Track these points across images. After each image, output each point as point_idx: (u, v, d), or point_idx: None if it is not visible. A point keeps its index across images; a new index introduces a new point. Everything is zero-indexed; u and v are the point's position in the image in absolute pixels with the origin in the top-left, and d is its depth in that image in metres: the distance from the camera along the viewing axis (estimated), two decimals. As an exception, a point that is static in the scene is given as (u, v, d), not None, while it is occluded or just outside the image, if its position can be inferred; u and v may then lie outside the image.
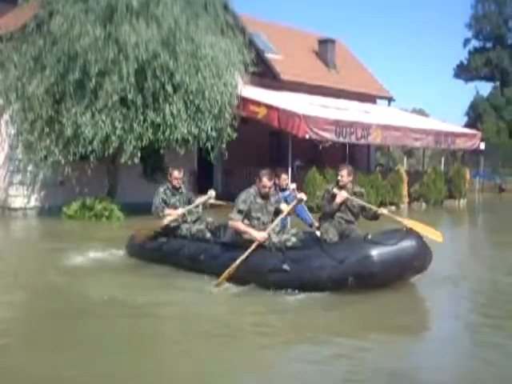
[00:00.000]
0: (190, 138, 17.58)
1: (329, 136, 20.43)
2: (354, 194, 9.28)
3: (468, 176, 28.08)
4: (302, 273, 7.90)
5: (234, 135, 18.49)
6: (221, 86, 17.93)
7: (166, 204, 10.26)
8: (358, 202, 9.09)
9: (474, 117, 51.48)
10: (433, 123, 29.36)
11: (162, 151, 18.24)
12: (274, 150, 24.46)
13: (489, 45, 54.76)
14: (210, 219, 10.41)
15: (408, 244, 7.82)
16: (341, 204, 9.08)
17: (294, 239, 8.59)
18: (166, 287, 8.70)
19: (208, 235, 10.06)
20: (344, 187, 9.22)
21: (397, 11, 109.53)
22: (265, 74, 24.81)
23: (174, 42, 16.92)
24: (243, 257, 8.24)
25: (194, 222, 10.31)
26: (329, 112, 22.32)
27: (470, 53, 55.83)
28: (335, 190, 9.10)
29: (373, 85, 32.31)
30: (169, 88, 16.81)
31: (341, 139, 21.09)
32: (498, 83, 53.75)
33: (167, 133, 17.05)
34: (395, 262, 7.71)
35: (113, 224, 16.93)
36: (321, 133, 20.09)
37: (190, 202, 10.52)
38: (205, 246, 9.40)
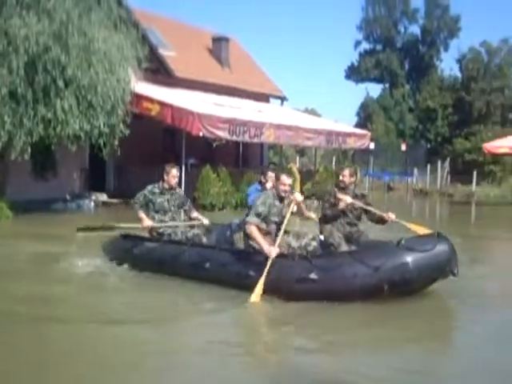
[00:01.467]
0: (82, 135, 17.24)
1: (222, 134, 20.47)
2: (356, 196, 9.18)
3: (358, 175, 28.70)
4: (332, 282, 7.47)
5: (127, 132, 18.24)
6: (113, 81, 17.69)
7: (152, 203, 9.55)
8: (361, 206, 9.00)
9: (364, 117, 52.58)
10: (324, 123, 29.85)
11: (53, 147, 17.87)
12: (168, 148, 24.28)
13: (379, 47, 55.96)
14: (205, 221, 9.85)
15: (442, 249, 7.54)
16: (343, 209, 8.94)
17: (314, 243, 8.16)
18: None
19: (204, 239, 9.50)
20: (346, 188, 9.13)
21: (290, 12, 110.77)
22: (158, 71, 24.65)
23: (65, 36, 16.55)
24: (265, 274, 7.56)
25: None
26: (223, 110, 22.36)
27: (360, 55, 56.92)
28: (340, 195, 8.92)
29: (266, 84, 32.54)
30: (60, 83, 16.44)
31: (234, 138, 21.19)
32: (387, 85, 55.08)
33: (58, 129, 16.66)
34: (431, 268, 7.47)
35: (2, 223, 16.43)
36: (215, 131, 20.10)
37: (181, 206, 9.84)
38: (210, 253, 8.72)
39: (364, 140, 28.54)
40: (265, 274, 7.57)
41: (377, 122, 49.15)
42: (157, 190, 9.57)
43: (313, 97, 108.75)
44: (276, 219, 8.11)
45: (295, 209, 8.27)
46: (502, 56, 50.27)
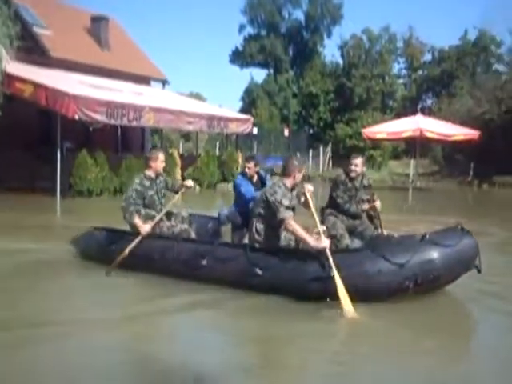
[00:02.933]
0: None
1: (100, 117, 19.77)
2: (364, 187, 9.00)
3: (241, 160, 28.53)
4: (354, 280, 6.88)
5: (-2, 114, 17.39)
6: (-17, 60, 16.81)
7: (143, 198, 8.51)
8: (379, 217, 9.05)
9: (249, 102, 52.64)
10: (207, 107, 29.58)
11: None
12: (44, 131, 23.29)
13: (263, 32, 56.01)
14: (184, 214, 8.95)
15: (467, 243, 7.25)
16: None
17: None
18: None
19: (193, 235, 8.63)
20: (356, 179, 8.86)
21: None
22: (33, 50, 23.62)
23: None
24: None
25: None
26: (100, 93, 21.61)
27: (245, 39, 56.85)
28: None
29: (147, 66, 31.84)
30: None
31: (112, 121, 20.52)
32: (271, 70, 55.29)
33: None
34: (457, 263, 7.16)
35: None
36: (91, 114, 19.37)
37: (167, 187, 8.92)
38: (205, 248, 7.84)
39: (246, 125, 28.42)
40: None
41: (261, 107, 49.28)
42: (147, 183, 8.58)
43: (198, 81, 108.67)
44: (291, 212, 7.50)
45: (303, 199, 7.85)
46: (382, 43, 51.36)
